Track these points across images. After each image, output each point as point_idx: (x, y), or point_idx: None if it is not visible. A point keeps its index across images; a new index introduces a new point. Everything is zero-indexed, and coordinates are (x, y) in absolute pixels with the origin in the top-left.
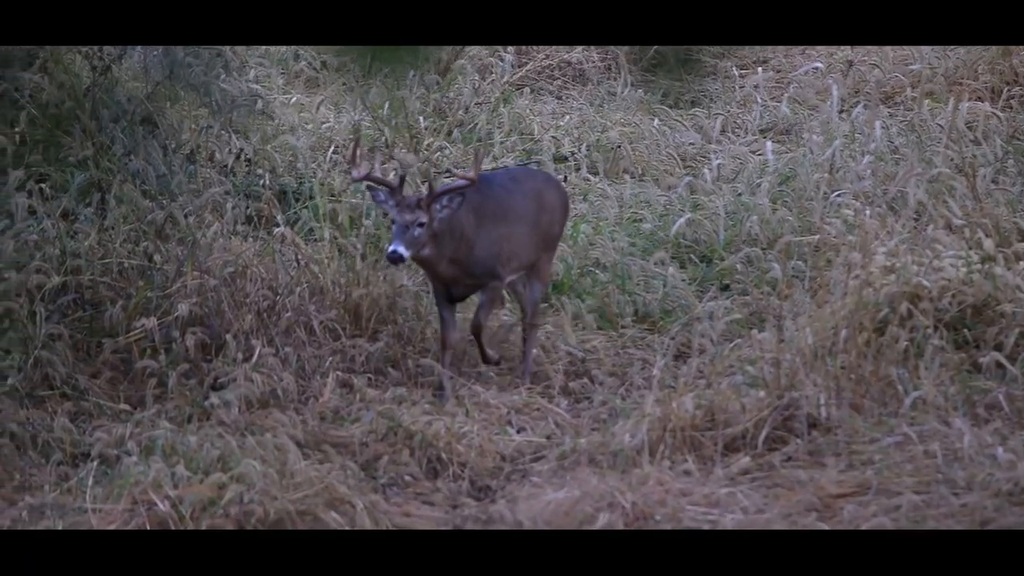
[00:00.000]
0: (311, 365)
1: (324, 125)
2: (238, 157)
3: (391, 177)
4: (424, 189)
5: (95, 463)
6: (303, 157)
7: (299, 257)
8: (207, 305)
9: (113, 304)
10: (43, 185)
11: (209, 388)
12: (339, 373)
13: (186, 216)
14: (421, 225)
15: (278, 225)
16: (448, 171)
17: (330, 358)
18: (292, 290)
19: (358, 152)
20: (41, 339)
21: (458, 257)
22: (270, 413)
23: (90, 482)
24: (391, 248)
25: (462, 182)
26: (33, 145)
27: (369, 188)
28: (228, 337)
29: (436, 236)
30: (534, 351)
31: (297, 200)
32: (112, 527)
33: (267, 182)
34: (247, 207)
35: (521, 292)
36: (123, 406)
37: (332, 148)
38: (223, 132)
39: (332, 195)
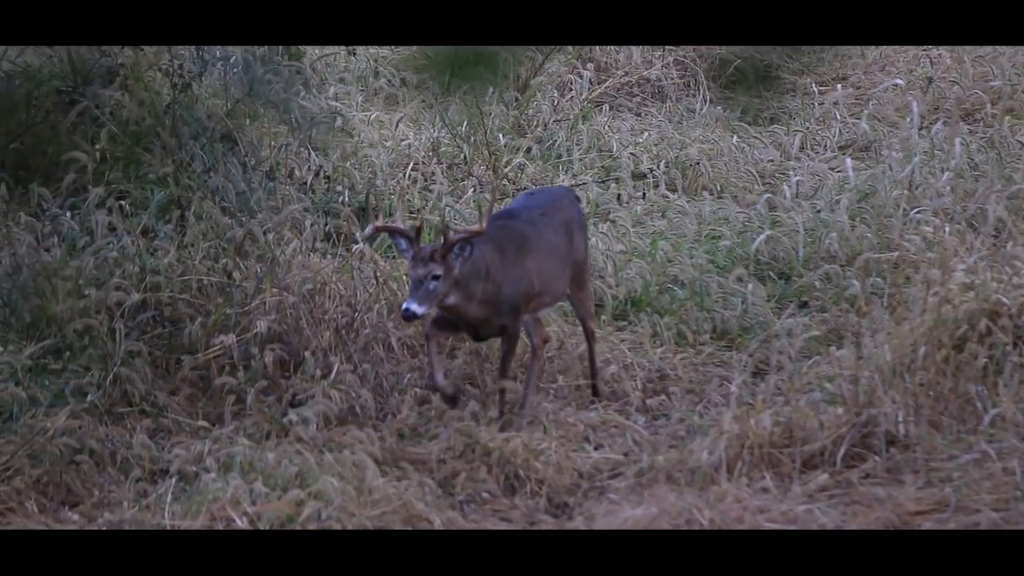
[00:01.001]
0: (389, 382)
1: (403, 142)
2: (317, 174)
3: (408, 227)
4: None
5: (174, 480)
6: (382, 174)
7: (378, 274)
8: (286, 322)
9: (192, 321)
10: (123, 202)
11: (287, 405)
12: (417, 390)
13: (265, 233)
14: (436, 278)
15: (357, 242)
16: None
17: (408, 375)
18: (370, 307)
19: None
20: (120, 356)
21: (487, 298)
22: (348, 430)
23: (168, 499)
24: (405, 306)
25: (475, 227)
26: (113, 162)
27: (391, 237)
28: (306, 354)
29: (459, 283)
30: (598, 363)
31: (376, 217)
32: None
33: (346, 199)
34: (326, 224)
35: (574, 307)
36: (202, 423)
37: (411, 165)
38: (302, 149)
39: (411, 212)
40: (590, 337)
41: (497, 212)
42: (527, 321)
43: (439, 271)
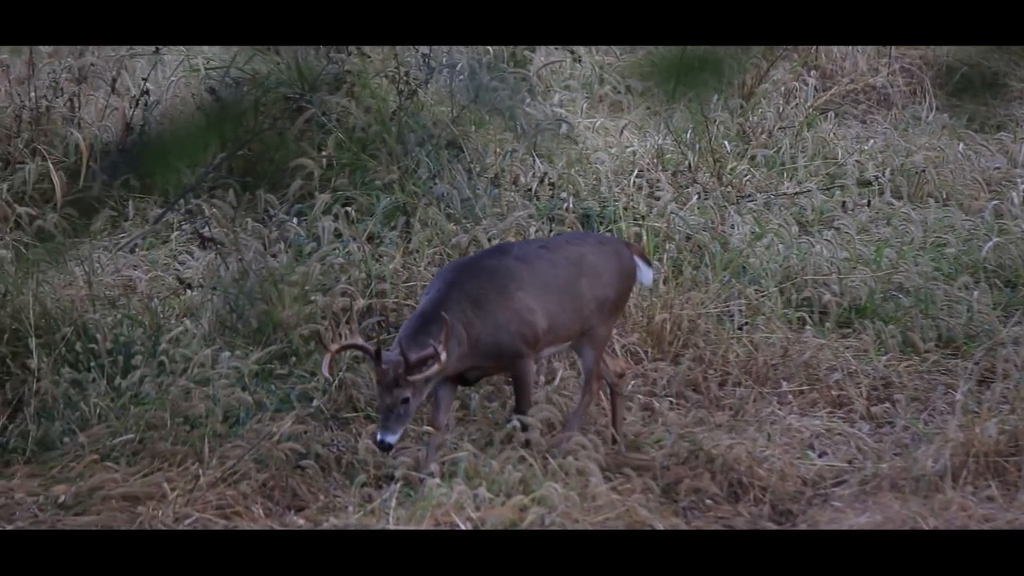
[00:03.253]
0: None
1: (628, 149)
2: (542, 181)
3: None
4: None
5: (398, 485)
6: (606, 181)
7: None
8: None
9: None
10: (349, 208)
11: (511, 411)
12: (641, 396)
13: (490, 240)
14: (406, 401)
15: None
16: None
17: (632, 381)
18: None
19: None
20: (346, 361)
21: (475, 352)
22: (571, 436)
23: (393, 504)
24: (379, 437)
25: (432, 348)
26: (340, 168)
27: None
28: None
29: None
30: (579, 420)
31: (600, 224)
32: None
33: (570, 206)
34: (550, 230)
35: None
36: (426, 428)
37: (635, 172)
38: (527, 156)
39: (636, 219)
40: (589, 395)
41: (486, 250)
42: (603, 363)
43: (407, 394)
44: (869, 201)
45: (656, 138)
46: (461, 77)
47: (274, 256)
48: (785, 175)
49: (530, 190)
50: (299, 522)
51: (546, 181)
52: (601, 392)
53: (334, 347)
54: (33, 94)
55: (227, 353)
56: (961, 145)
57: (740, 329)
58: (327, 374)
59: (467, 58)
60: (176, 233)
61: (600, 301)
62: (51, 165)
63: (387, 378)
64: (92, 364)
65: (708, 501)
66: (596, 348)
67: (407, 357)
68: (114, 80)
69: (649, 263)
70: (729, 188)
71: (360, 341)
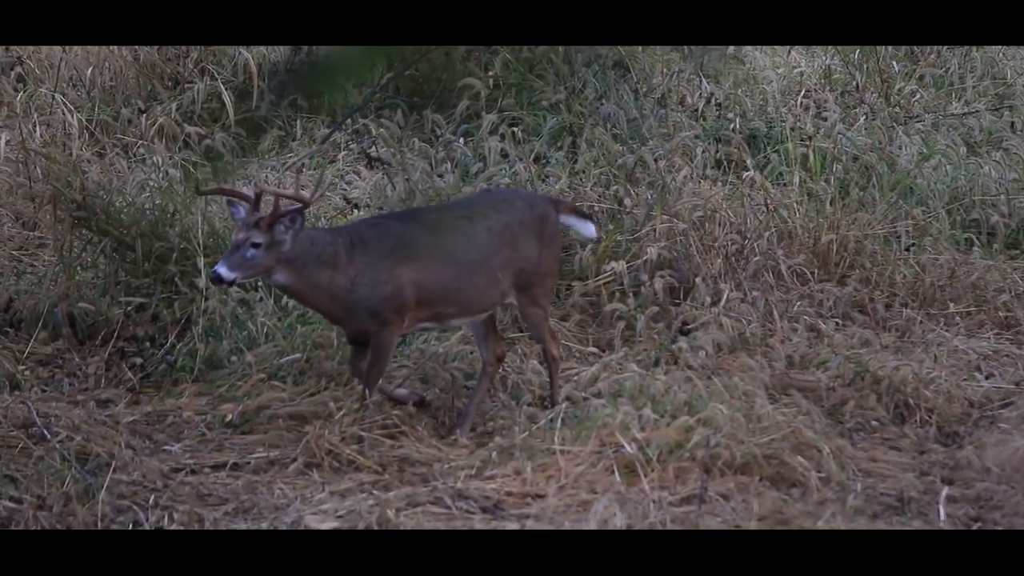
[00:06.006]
0: (779, 309)
1: (795, 69)
2: (708, 101)
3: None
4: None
5: (564, 405)
6: (773, 101)
7: (768, 201)
8: (676, 249)
9: (583, 247)
10: (515, 128)
11: (677, 332)
12: (807, 317)
13: (656, 160)
14: (256, 246)
15: (747, 169)
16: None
17: (798, 302)
18: (760, 234)
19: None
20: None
21: (336, 293)
22: (738, 357)
23: (558, 424)
24: (214, 268)
25: (304, 194)
26: (506, 89)
27: (229, 204)
28: (697, 281)
29: (290, 261)
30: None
31: (767, 144)
32: (579, 468)
33: (737, 126)
34: (716, 151)
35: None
36: (591, 349)
37: (802, 92)
38: (694, 76)
39: (802, 139)
40: (551, 362)
41: (400, 211)
42: (483, 333)
43: (260, 239)
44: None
45: (823, 58)
46: None
47: (440, 176)
48: (953, 95)
49: (696, 110)
50: (463, 442)
51: (712, 101)
52: (488, 370)
53: (211, 186)
54: None
55: None
56: None
57: (907, 250)
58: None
59: None
60: (343, 153)
61: (524, 270)
62: (220, 84)
63: (250, 219)
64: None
65: (874, 423)
66: (537, 315)
67: (277, 205)
68: None
69: (588, 216)
70: (897, 108)
71: (244, 190)
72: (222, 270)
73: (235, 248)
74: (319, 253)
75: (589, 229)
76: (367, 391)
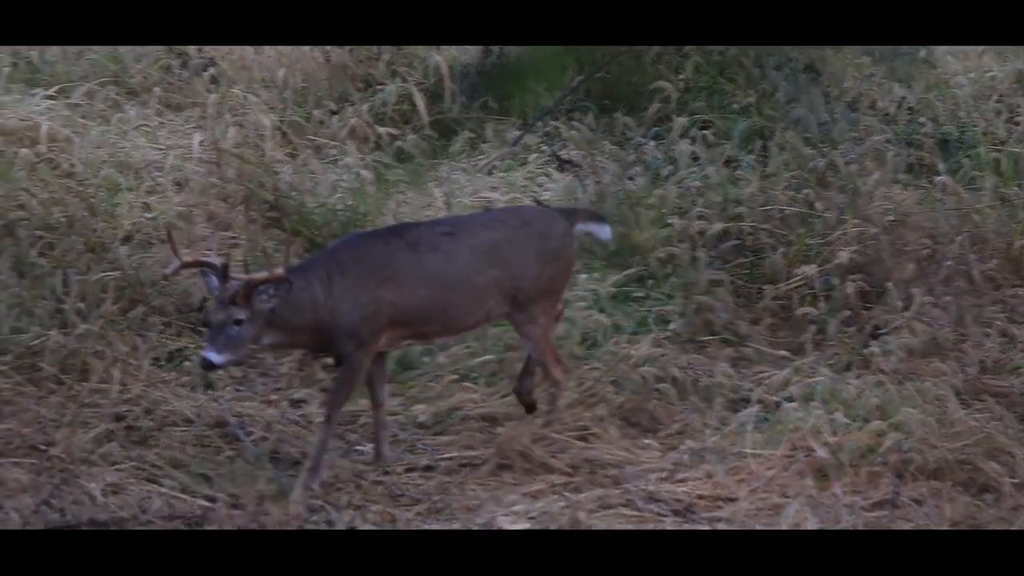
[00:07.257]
0: (971, 314)
1: (987, 74)
2: (900, 105)
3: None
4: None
5: (755, 408)
6: (965, 106)
7: (960, 206)
8: (867, 253)
9: (774, 251)
10: (706, 132)
11: (868, 336)
12: (999, 322)
13: (847, 164)
14: (239, 323)
15: (939, 174)
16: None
17: (990, 307)
18: (952, 239)
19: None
20: (703, 285)
21: (319, 326)
22: (930, 362)
23: (749, 427)
24: (202, 354)
25: (277, 271)
26: (697, 92)
27: (201, 273)
28: (888, 285)
29: (276, 323)
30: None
31: (959, 149)
32: (770, 472)
33: (929, 131)
34: (908, 155)
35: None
36: (782, 352)
37: (995, 97)
38: (885, 80)
39: (995, 144)
40: (554, 386)
41: (385, 227)
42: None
43: (241, 315)
44: None
45: (1016, 63)
46: None
47: (631, 179)
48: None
49: (888, 115)
50: (654, 445)
51: (904, 105)
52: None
53: (186, 258)
54: None
55: (584, 275)
56: None
57: None
58: (169, 273)
59: None
60: (534, 155)
61: (520, 288)
62: (412, 86)
63: (226, 294)
64: None
65: None
66: (534, 334)
67: (250, 276)
68: None
69: (602, 219)
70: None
71: (211, 259)
72: (210, 355)
73: (218, 329)
74: (297, 303)
75: (605, 231)
76: (330, 413)
